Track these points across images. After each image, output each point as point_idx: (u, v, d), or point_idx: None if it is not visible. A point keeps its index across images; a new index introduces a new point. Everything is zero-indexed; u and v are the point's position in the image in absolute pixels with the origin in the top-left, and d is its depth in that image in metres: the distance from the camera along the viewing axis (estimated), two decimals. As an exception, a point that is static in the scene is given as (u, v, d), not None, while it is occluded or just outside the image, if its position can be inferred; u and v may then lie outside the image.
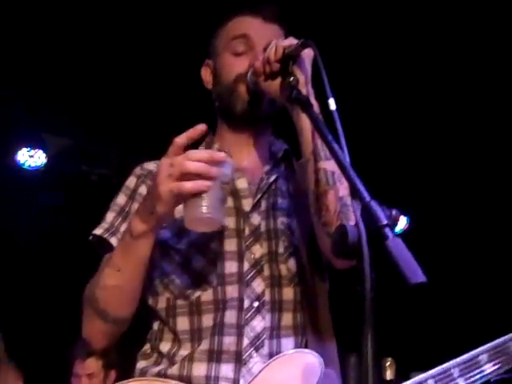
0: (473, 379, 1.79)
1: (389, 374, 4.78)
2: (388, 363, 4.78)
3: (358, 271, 1.20)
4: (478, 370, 1.79)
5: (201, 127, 1.58)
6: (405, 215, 5.82)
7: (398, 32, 3.98)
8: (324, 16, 3.71)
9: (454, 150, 4.95)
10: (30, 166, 4.92)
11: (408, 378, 1.76)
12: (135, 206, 1.81)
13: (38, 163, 4.93)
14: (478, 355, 1.81)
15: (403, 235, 5.66)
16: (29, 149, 4.89)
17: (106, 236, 1.81)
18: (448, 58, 4.19)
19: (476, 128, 4.74)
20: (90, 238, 1.84)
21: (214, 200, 1.56)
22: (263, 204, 1.84)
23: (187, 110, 1.63)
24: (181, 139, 1.57)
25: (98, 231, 1.83)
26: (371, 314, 1.18)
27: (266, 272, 1.76)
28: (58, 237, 4.89)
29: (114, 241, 1.79)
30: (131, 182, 1.89)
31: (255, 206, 1.82)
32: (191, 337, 1.72)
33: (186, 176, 1.52)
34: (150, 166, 1.90)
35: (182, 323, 1.74)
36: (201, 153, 1.56)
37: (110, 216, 1.85)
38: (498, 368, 1.82)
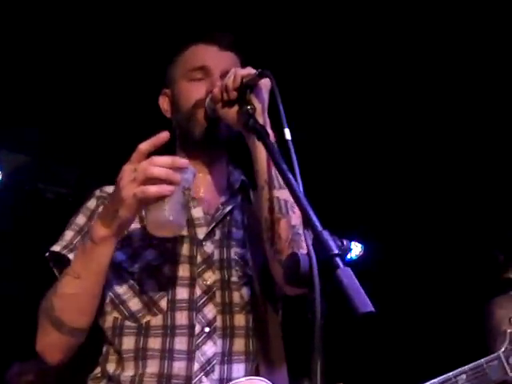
0: None
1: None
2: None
3: (309, 299, 1.22)
4: None
5: (164, 135, 1.60)
6: (360, 243, 5.91)
7: (354, 59, 4.04)
8: (279, 45, 3.76)
9: (406, 177, 5.02)
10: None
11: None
12: None
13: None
14: (456, 375, 1.85)
15: (357, 262, 5.74)
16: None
17: (64, 252, 1.80)
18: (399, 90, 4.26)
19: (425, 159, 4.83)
20: (47, 254, 1.84)
21: (176, 204, 1.59)
22: (217, 233, 1.86)
23: (146, 134, 1.64)
24: (144, 146, 1.59)
25: (56, 248, 1.82)
26: (321, 341, 1.19)
27: (218, 299, 1.77)
28: (13, 252, 4.82)
29: (72, 257, 1.79)
30: (92, 203, 1.90)
31: (209, 235, 1.84)
32: (135, 356, 1.72)
33: (150, 181, 1.55)
34: (110, 189, 1.89)
35: (128, 343, 1.74)
36: (164, 158, 1.58)
37: (68, 234, 1.85)
38: None
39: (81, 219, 1.88)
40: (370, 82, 4.18)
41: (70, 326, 1.68)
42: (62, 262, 1.80)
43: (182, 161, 1.61)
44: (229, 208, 1.90)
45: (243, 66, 1.84)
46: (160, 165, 1.56)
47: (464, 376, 1.88)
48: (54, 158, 4.65)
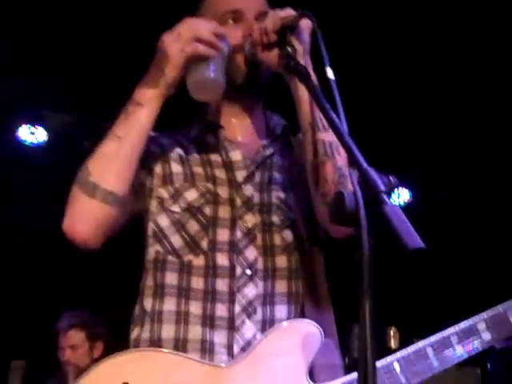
0: (471, 347, 1.81)
1: (393, 343, 4.82)
2: (392, 332, 4.81)
3: (356, 238, 1.20)
4: (475, 337, 1.81)
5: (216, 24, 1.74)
6: (408, 189, 5.81)
7: (399, 7, 3.95)
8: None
9: (456, 123, 4.91)
10: (31, 142, 4.93)
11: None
12: None
13: (40, 140, 4.94)
14: (476, 323, 1.83)
15: (405, 209, 5.67)
16: (29, 126, 4.90)
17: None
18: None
19: (480, 106, 4.71)
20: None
21: (220, 66, 1.68)
22: (257, 176, 1.85)
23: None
24: (195, 19, 1.72)
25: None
26: (369, 281, 1.17)
27: (259, 241, 1.78)
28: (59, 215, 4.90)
29: None
30: None
31: (249, 178, 1.84)
32: (178, 293, 1.73)
33: (196, 41, 1.64)
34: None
35: (171, 278, 1.74)
36: (208, 23, 1.69)
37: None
38: (496, 337, 1.83)
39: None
40: (418, 24, 4.09)
41: (104, 189, 1.67)
42: None
43: (223, 30, 1.71)
44: (269, 152, 1.89)
45: (271, 6, 1.83)
46: (206, 28, 1.66)
47: (484, 324, 1.85)
48: (97, 116, 4.68)
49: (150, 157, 1.82)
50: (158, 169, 1.83)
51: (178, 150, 1.87)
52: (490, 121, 4.84)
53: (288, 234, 1.81)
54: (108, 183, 1.67)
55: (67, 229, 1.70)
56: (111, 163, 1.68)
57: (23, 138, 4.91)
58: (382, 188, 1.23)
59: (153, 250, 1.79)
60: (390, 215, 1.18)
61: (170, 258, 1.76)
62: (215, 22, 1.73)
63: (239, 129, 1.91)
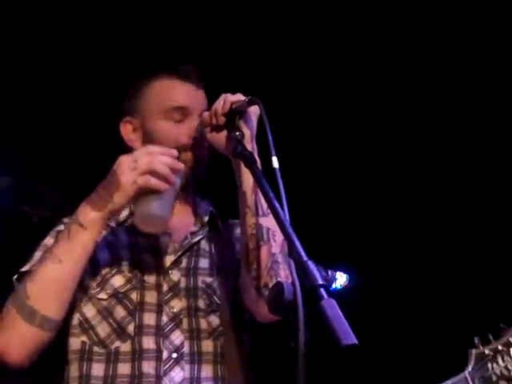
0: None
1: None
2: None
3: (292, 328, 1.21)
4: None
5: (174, 152, 1.70)
6: (345, 273, 5.89)
7: (338, 81, 4.05)
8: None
9: (392, 208, 5.03)
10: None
11: None
12: None
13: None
14: None
15: (342, 292, 5.70)
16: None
17: (35, 268, 1.76)
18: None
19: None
20: (16, 276, 1.81)
21: (167, 202, 1.67)
22: (184, 262, 1.87)
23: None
24: (156, 149, 1.68)
25: (26, 268, 1.80)
26: (305, 370, 1.18)
27: (185, 325, 1.78)
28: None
29: None
30: (61, 227, 1.88)
31: (175, 263, 1.85)
32: (104, 382, 1.70)
33: (150, 174, 1.62)
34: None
35: (97, 369, 1.72)
36: (167, 157, 1.67)
37: (37, 255, 1.83)
38: None
39: (50, 241, 1.86)
40: (353, 111, 4.19)
41: (42, 315, 1.64)
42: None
43: (180, 165, 1.69)
44: (197, 238, 1.92)
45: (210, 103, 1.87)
46: (162, 162, 1.64)
47: None
48: (39, 181, 4.63)
49: None
50: None
51: (105, 234, 1.85)
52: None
53: (214, 319, 1.81)
54: (46, 309, 1.65)
55: (1, 350, 1.66)
56: (50, 289, 1.65)
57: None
58: (320, 282, 1.24)
59: (78, 340, 1.76)
60: (326, 310, 1.20)
61: (96, 349, 1.73)
62: (174, 153, 1.70)
63: None
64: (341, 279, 5.86)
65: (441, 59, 3.81)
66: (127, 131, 1.96)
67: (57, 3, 3.36)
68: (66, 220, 1.89)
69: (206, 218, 1.96)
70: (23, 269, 1.80)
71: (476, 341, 1.81)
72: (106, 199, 1.64)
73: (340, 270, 5.81)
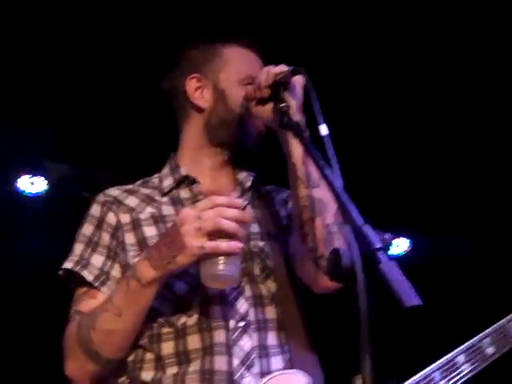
0: (453, 380, 1.85)
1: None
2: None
3: (353, 294, 1.21)
4: (457, 371, 1.85)
5: (240, 202, 1.66)
6: (407, 238, 5.78)
7: (384, 58, 4.01)
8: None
9: (451, 170, 4.92)
10: (30, 193, 4.93)
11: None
12: (103, 235, 1.82)
13: (39, 190, 4.94)
14: (455, 357, 1.85)
15: (404, 258, 5.60)
16: (30, 176, 4.91)
17: (77, 269, 1.80)
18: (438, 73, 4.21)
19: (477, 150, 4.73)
20: (60, 272, 1.83)
21: (237, 258, 1.60)
22: None
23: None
24: (221, 201, 1.60)
25: (68, 265, 1.82)
26: (368, 335, 1.18)
27: (248, 292, 1.77)
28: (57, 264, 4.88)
29: (86, 274, 1.79)
30: (96, 210, 1.88)
31: None
32: (178, 360, 1.71)
33: (216, 232, 1.56)
34: (113, 192, 1.91)
35: (168, 348, 1.72)
36: (234, 211, 1.58)
37: (78, 248, 1.84)
38: (475, 367, 1.88)
39: (88, 229, 1.86)
40: (409, 72, 4.13)
41: (107, 359, 1.70)
42: (75, 279, 1.81)
43: (248, 215, 1.64)
44: (243, 205, 1.87)
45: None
46: (229, 217, 1.56)
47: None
48: (97, 166, 4.71)
49: (119, 229, 1.81)
50: (130, 239, 1.81)
51: (149, 209, 1.85)
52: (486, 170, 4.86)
53: (270, 284, 1.81)
54: (110, 354, 1.70)
55: (69, 377, 1.76)
56: (112, 338, 1.68)
57: (22, 189, 4.92)
58: (378, 245, 1.23)
59: (145, 326, 1.74)
60: (386, 272, 1.19)
61: (164, 330, 1.74)
62: (239, 202, 1.66)
63: (212, 182, 1.92)
64: (403, 245, 5.77)
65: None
66: (193, 87, 1.95)
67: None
68: (100, 198, 1.88)
69: (249, 184, 1.93)
70: (66, 265, 1.81)
71: None
72: (167, 259, 1.59)
73: (401, 236, 5.72)
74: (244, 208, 1.74)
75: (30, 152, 4.78)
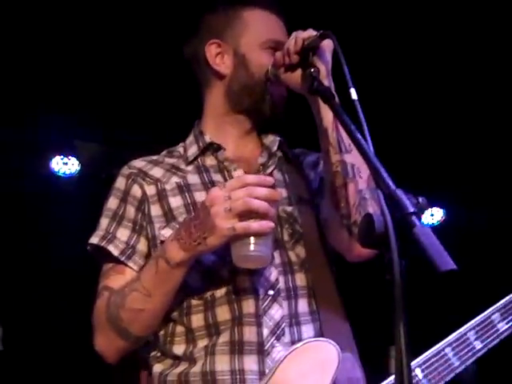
0: (489, 340, 1.82)
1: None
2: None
3: (386, 260, 1.18)
4: (492, 330, 1.82)
5: (270, 180, 1.62)
6: (441, 208, 5.70)
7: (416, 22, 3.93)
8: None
9: (489, 139, 4.83)
10: (64, 173, 4.98)
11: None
12: (129, 208, 1.81)
13: (72, 170, 4.99)
14: (490, 315, 1.82)
15: (439, 228, 5.52)
16: (62, 156, 4.95)
17: (103, 244, 1.79)
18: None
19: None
20: (88, 247, 1.83)
21: (269, 237, 1.57)
22: None
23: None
24: (250, 179, 1.58)
25: (94, 240, 1.81)
26: (403, 303, 1.16)
27: (277, 259, 1.74)
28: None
29: (112, 248, 1.78)
30: (121, 183, 1.85)
31: None
32: (208, 332, 1.70)
33: (246, 212, 1.54)
34: (138, 163, 1.88)
35: (197, 320, 1.71)
36: (263, 190, 1.56)
37: (103, 222, 1.82)
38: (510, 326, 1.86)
39: (113, 203, 1.84)
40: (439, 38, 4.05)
41: (137, 336, 1.71)
42: (103, 253, 1.80)
43: (277, 194, 1.62)
44: (269, 170, 1.86)
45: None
46: (258, 196, 1.54)
47: (498, 314, 1.85)
48: (126, 145, 4.72)
49: (145, 201, 1.80)
50: (156, 210, 1.79)
51: (175, 178, 1.83)
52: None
53: (300, 250, 1.78)
54: (140, 332, 1.71)
55: (100, 352, 1.77)
56: (142, 317, 1.68)
57: (56, 169, 4.97)
58: (411, 209, 1.20)
59: (174, 300, 1.72)
60: (420, 237, 1.16)
61: (193, 302, 1.73)
62: (269, 180, 1.61)
63: (237, 148, 1.89)
64: (437, 215, 5.71)
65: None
66: (213, 53, 1.89)
67: None
68: (125, 171, 1.86)
69: (275, 148, 1.89)
70: (92, 240, 1.81)
71: None
72: (197, 240, 1.57)
73: (435, 205, 5.65)
74: (273, 186, 1.69)
75: (62, 132, 4.83)
